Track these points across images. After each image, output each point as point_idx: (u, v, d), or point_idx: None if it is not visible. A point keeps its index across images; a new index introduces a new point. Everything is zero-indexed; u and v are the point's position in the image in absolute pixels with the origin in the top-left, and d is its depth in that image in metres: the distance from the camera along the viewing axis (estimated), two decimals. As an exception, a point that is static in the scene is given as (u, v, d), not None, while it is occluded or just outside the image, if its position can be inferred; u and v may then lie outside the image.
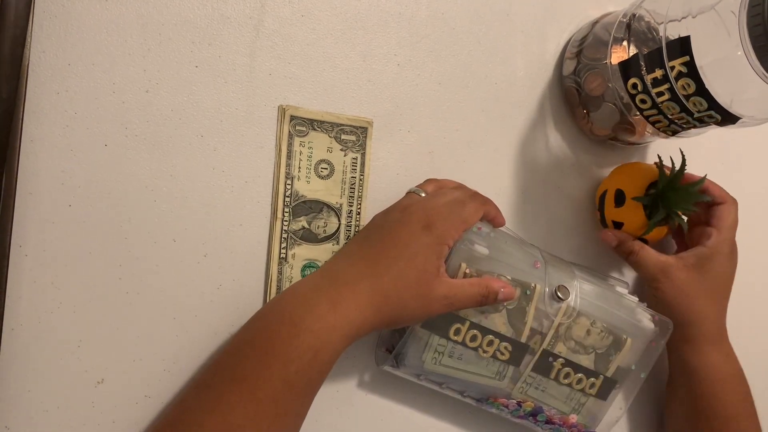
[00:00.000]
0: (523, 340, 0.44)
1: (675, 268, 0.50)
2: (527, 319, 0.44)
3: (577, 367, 0.46)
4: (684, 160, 0.49)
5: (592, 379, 0.46)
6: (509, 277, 0.44)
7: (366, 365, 0.47)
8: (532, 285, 0.44)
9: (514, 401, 0.46)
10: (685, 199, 0.49)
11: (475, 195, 0.44)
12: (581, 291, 0.46)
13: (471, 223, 0.42)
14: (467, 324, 0.43)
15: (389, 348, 0.46)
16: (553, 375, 0.45)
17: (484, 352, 0.44)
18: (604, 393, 0.47)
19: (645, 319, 0.48)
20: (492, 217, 0.44)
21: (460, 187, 0.46)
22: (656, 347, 0.48)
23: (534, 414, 0.47)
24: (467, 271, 0.43)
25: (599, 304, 0.47)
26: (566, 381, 0.46)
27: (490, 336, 0.43)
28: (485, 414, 0.50)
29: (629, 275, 0.57)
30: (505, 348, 0.44)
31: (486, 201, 0.44)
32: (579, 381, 0.46)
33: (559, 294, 0.45)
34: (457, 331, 0.43)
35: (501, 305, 0.43)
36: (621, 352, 0.46)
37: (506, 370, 0.45)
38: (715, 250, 0.50)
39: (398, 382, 0.48)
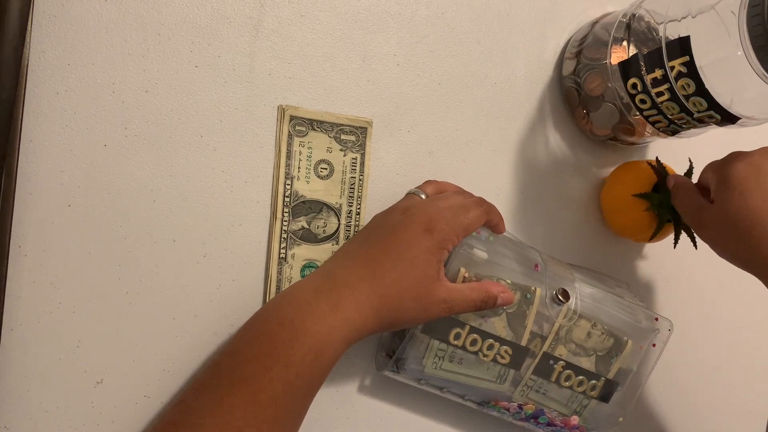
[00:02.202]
0: (524, 343, 0.44)
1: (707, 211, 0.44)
2: (527, 322, 0.44)
3: (578, 370, 0.46)
4: (691, 165, 0.49)
5: (594, 381, 0.46)
6: (509, 281, 0.44)
7: (366, 370, 0.47)
8: (533, 288, 0.44)
9: (516, 404, 0.46)
10: None
11: (479, 202, 0.44)
12: (581, 293, 0.46)
13: (472, 229, 0.42)
14: (467, 328, 0.43)
15: (389, 353, 0.46)
16: (554, 378, 0.45)
17: (485, 356, 0.44)
18: (605, 395, 0.47)
19: (645, 320, 0.48)
20: (494, 225, 0.44)
21: (461, 192, 0.46)
22: (657, 348, 0.47)
23: (535, 416, 0.47)
24: (466, 275, 0.42)
25: (600, 306, 0.46)
26: (567, 383, 0.46)
27: (490, 340, 0.43)
28: (486, 417, 0.50)
29: (630, 276, 0.57)
30: (506, 351, 0.44)
31: (489, 209, 0.44)
32: (580, 383, 0.46)
33: (560, 297, 0.45)
34: (457, 336, 0.43)
35: (501, 309, 0.43)
36: (622, 354, 0.46)
37: (507, 374, 0.45)
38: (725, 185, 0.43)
39: (399, 387, 0.47)
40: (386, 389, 0.48)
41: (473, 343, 0.43)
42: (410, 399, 0.49)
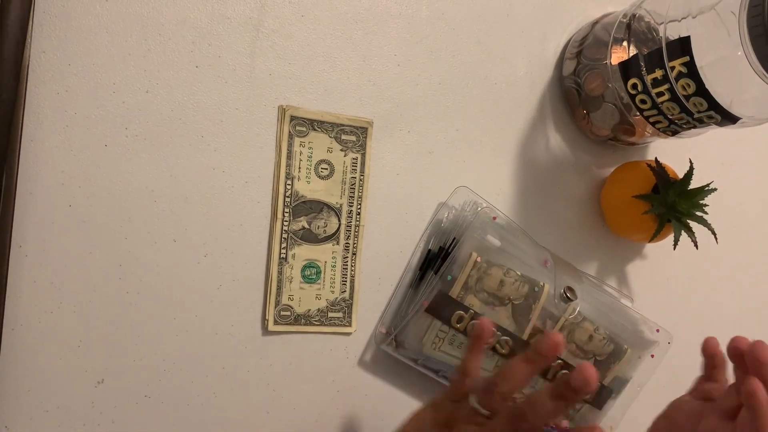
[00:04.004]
0: (525, 337, 0.44)
1: None
2: (532, 316, 0.44)
3: None
4: (692, 166, 0.49)
5: None
6: (519, 273, 0.44)
7: (368, 367, 0.47)
8: (541, 283, 0.44)
9: None
10: (694, 206, 0.50)
11: None
12: (588, 296, 0.46)
13: None
14: (470, 313, 0.43)
15: (389, 330, 0.46)
16: (550, 376, 0.45)
17: None
18: (599, 401, 0.47)
19: (648, 330, 0.48)
20: None
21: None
22: (656, 359, 0.47)
23: None
24: (478, 260, 0.43)
25: (604, 312, 0.47)
26: None
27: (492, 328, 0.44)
28: None
29: (630, 276, 0.57)
30: (506, 342, 0.44)
31: None
32: None
33: (567, 294, 0.45)
34: (460, 319, 0.43)
35: (507, 300, 0.44)
36: (620, 362, 0.46)
37: None
38: None
39: (394, 367, 0.47)
40: (382, 368, 0.47)
41: (474, 328, 0.44)
42: (404, 380, 0.48)
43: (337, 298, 0.46)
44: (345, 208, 0.46)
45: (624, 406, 0.48)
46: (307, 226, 0.44)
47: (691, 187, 0.50)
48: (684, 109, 0.43)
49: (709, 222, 0.50)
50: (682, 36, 0.40)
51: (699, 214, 0.50)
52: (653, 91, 0.44)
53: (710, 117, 0.42)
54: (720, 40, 0.39)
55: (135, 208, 0.41)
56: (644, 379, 0.47)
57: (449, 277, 0.43)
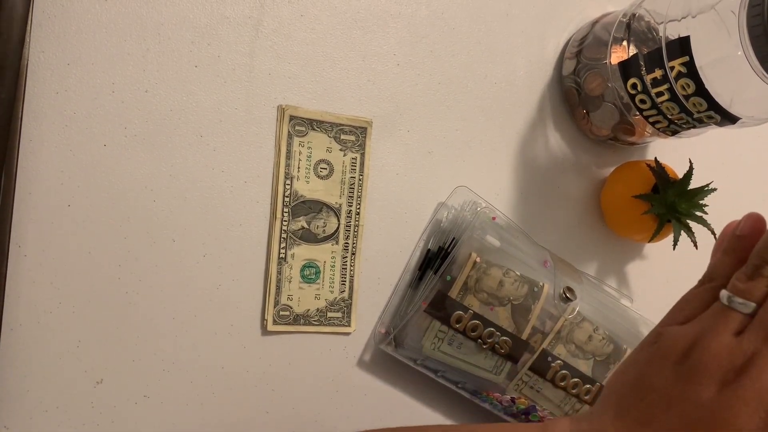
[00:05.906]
0: (524, 337, 0.44)
1: None
2: (531, 316, 0.44)
3: (574, 371, 0.46)
4: (691, 166, 0.49)
5: (588, 385, 0.46)
6: (518, 273, 0.44)
7: (367, 366, 0.47)
8: (540, 284, 0.44)
9: (509, 397, 0.46)
10: (694, 206, 0.49)
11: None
12: (588, 296, 0.46)
13: None
14: (470, 313, 0.43)
15: (389, 330, 0.47)
16: (549, 376, 0.46)
17: (484, 343, 0.44)
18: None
19: (647, 330, 0.48)
20: None
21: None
22: None
23: (527, 413, 0.47)
24: (477, 260, 0.43)
25: (604, 312, 0.47)
26: (562, 384, 0.46)
27: (491, 328, 0.44)
28: (476, 410, 0.50)
29: (630, 276, 0.57)
30: (505, 342, 0.44)
31: None
32: (575, 386, 0.46)
33: (566, 294, 0.45)
34: (459, 319, 0.43)
35: (506, 300, 0.44)
36: (620, 362, 0.46)
37: (504, 366, 0.45)
38: None
39: (393, 367, 0.47)
40: (381, 368, 0.47)
41: (474, 329, 0.44)
42: (403, 381, 0.48)
43: (336, 298, 0.46)
44: (344, 208, 0.46)
45: None
46: (306, 226, 0.44)
47: (690, 187, 0.50)
48: (683, 109, 0.43)
49: (708, 222, 0.50)
50: (681, 36, 0.40)
51: (699, 214, 0.50)
52: (653, 91, 0.44)
53: (710, 117, 0.42)
54: (720, 40, 0.39)
55: (134, 207, 0.41)
56: None
57: (448, 278, 0.43)
